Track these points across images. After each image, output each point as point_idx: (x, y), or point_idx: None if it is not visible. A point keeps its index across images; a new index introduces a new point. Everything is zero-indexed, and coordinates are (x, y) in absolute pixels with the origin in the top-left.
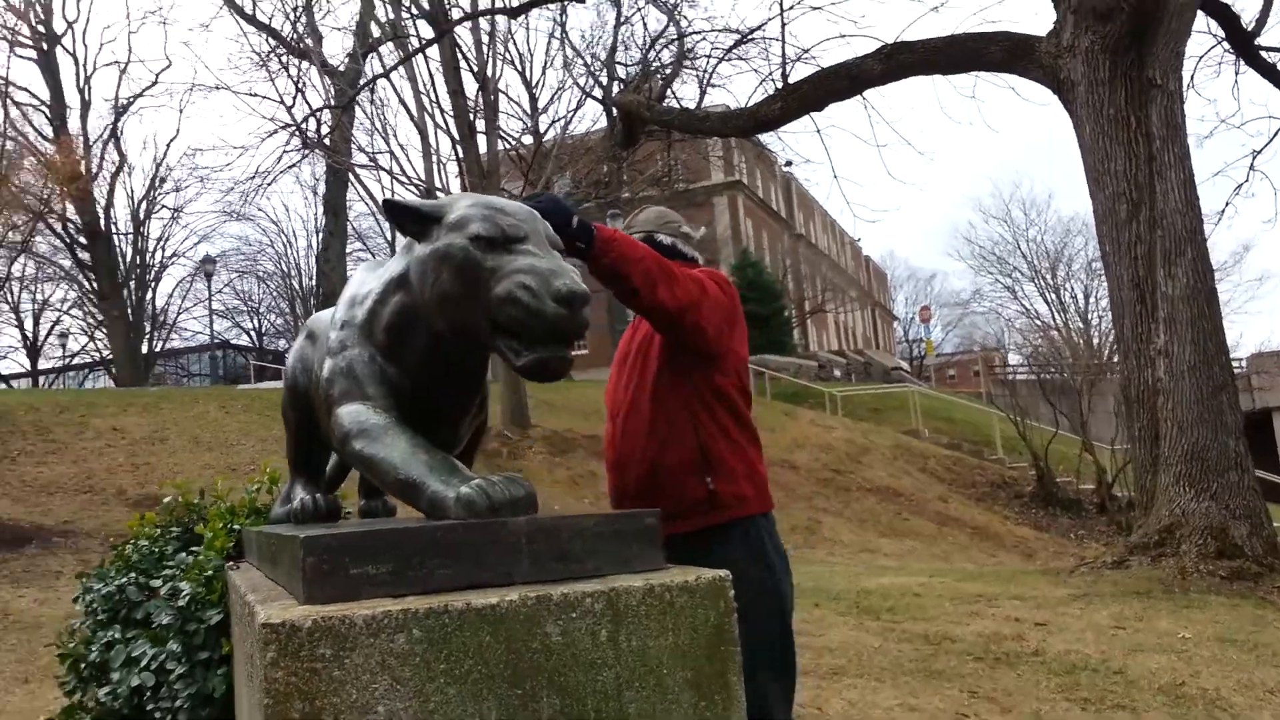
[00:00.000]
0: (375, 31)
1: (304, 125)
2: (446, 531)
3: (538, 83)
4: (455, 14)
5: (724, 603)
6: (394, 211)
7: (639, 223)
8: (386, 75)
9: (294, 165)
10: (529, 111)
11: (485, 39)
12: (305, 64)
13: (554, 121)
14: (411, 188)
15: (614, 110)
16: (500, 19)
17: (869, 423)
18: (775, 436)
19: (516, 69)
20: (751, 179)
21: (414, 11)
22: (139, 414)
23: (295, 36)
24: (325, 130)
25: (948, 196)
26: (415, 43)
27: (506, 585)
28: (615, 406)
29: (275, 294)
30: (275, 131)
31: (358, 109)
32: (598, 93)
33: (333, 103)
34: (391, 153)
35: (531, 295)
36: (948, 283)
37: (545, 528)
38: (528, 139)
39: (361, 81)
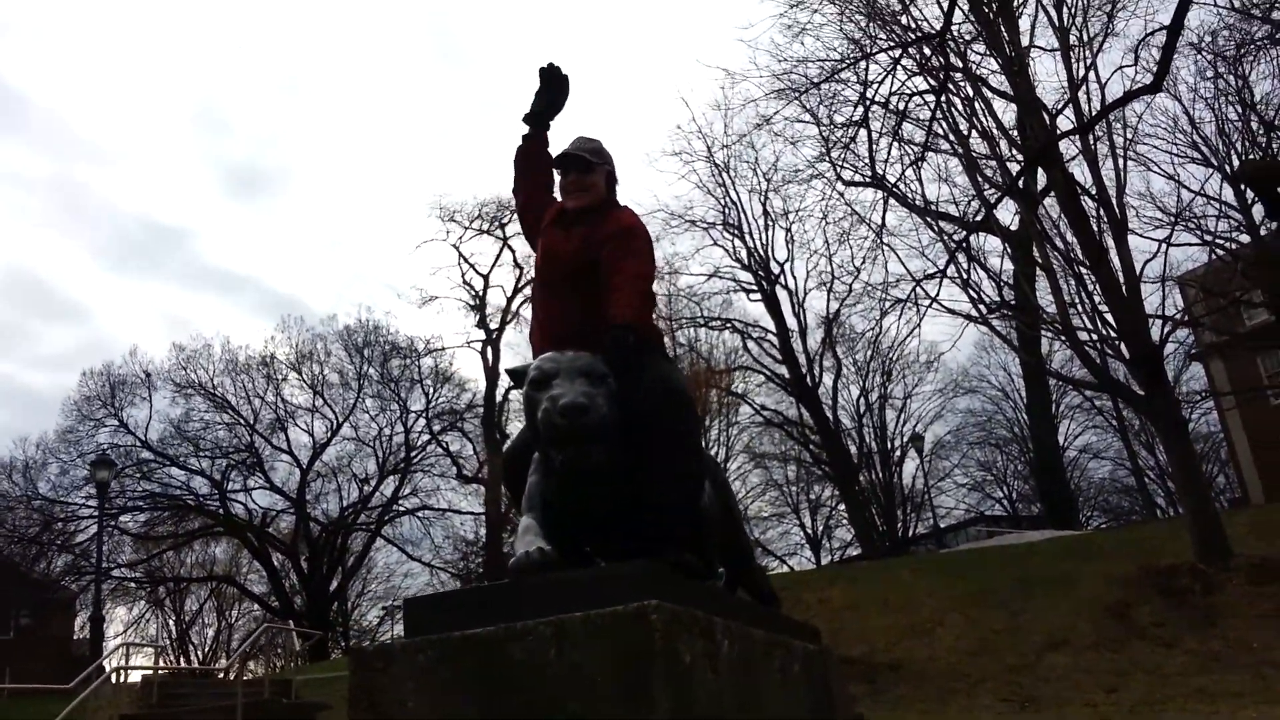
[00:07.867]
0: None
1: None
2: (488, 590)
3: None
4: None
5: (646, 622)
6: (509, 375)
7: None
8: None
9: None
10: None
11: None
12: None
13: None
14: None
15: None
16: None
17: None
18: None
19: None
20: None
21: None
22: (843, 586)
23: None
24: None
25: None
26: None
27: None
28: None
29: (1016, 458)
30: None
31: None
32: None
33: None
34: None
35: (547, 414)
36: None
37: (549, 583)
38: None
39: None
